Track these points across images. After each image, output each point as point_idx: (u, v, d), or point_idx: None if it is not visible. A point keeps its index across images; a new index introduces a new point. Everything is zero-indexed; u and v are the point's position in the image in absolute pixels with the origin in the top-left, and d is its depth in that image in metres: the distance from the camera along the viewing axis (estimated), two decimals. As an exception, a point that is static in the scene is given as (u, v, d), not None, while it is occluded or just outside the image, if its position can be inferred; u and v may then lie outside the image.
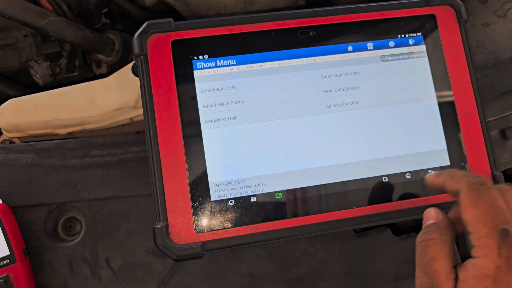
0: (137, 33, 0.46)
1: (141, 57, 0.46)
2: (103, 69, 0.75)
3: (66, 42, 0.63)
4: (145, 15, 0.73)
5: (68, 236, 0.52)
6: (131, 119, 0.54)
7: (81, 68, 0.72)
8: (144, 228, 0.51)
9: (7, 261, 0.46)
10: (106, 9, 0.72)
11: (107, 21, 0.73)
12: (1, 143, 0.58)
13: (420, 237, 0.35)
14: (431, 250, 0.33)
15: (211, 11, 0.62)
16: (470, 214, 0.32)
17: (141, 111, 0.54)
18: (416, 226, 0.60)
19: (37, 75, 0.65)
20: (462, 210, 0.33)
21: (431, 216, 0.37)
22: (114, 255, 0.51)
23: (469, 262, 0.31)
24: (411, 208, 0.47)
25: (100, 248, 0.51)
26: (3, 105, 0.55)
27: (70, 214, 0.52)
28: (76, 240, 0.51)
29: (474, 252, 0.31)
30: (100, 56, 0.65)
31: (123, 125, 0.55)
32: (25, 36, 0.72)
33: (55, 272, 0.50)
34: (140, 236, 0.51)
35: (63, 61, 0.69)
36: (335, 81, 0.49)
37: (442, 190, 0.37)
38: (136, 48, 0.46)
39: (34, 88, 0.73)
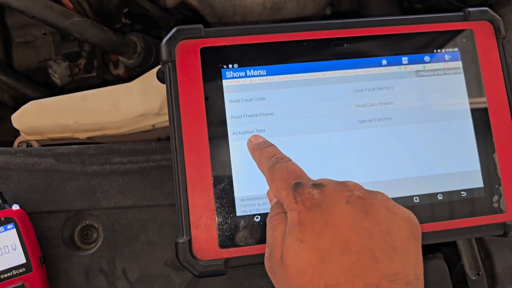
0: (165, 39, 0.45)
1: (169, 63, 0.45)
2: (121, 70, 0.74)
3: (89, 44, 0.62)
4: (166, 16, 0.72)
5: (85, 244, 0.50)
6: (153, 125, 0.53)
7: (99, 68, 0.71)
8: (163, 239, 0.50)
9: (23, 269, 0.45)
10: (126, 9, 0.71)
11: (127, 21, 0.72)
12: (18, 145, 0.57)
13: (268, 217, 0.37)
14: (273, 223, 0.35)
15: (237, 16, 0.60)
16: (273, 190, 0.36)
17: (163, 118, 0.53)
18: (443, 244, 0.59)
19: (56, 75, 0.64)
20: (270, 191, 0.37)
21: (272, 197, 0.39)
22: (132, 266, 0.49)
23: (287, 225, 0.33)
24: (443, 231, 0.45)
25: (118, 258, 0.49)
26: (23, 107, 0.53)
27: (87, 222, 0.50)
28: (93, 249, 0.49)
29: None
30: (121, 59, 0.63)
31: (144, 132, 0.54)
32: (44, 34, 0.71)
33: (70, 281, 0.49)
34: (159, 247, 0.50)
35: (82, 62, 0.68)
36: (368, 95, 0.47)
37: None
38: (164, 54, 0.45)
39: (51, 87, 0.72)
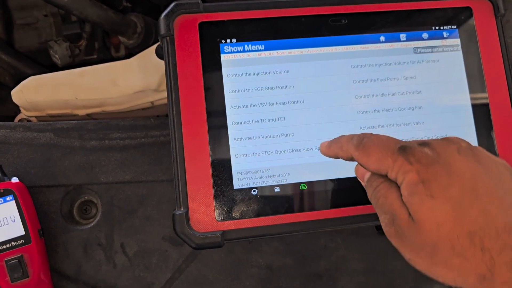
0: (164, 13, 0.45)
1: (167, 37, 0.45)
2: (122, 53, 0.74)
3: (89, 22, 0.62)
4: (166, 0, 0.72)
5: (83, 219, 0.51)
6: (152, 102, 0.53)
7: (100, 51, 0.71)
8: (161, 214, 0.50)
9: (22, 241, 0.45)
10: (128, -8, 0.71)
11: (128, 4, 0.72)
12: (18, 121, 0.57)
13: (369, 190, 0.36)
14: (381, 192, 0.34)
15: (236, -6, 0.60)
16: (374, 164, 0.34)
17: (162, 95, 0.53)
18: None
19: (56, 56, 0.64)
20: (368, 168, 0.35)
21: (363, 171, 0.38)
22: (130, 240, 0.50)
23: (402, 188, 0.32)
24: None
25: (116, 233, 0.50)
26: (23, 82, 0.54)
27: (86, 197, 0.51)
28: (92, 224, 0.50)
29: (399, 183, 0.33)
30: (121, 39, 0.63)
31: (143, 109, 0.54)
32: (45, 16, 0.71)
33: (69, 255, 0.49)
34: (156, 222, 0.50)
35: (83, 43, 0.68)
36: (366, 71, 0.47)
37: (337, 158, 0.39)
38: (162, 29, 0.45)
39: (53, 68, 0.72)
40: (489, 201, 0.30)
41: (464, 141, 0.34)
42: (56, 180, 0.50)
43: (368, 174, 0.37)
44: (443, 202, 0.30)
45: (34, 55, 0.72)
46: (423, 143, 0.33)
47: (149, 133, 0.51)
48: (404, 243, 0.33)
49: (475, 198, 0.30)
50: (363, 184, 0.38)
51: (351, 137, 0.37)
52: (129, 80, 0.51)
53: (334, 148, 0.39)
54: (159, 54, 0.50)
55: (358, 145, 0.36)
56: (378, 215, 0.35)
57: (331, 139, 0.40)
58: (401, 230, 0.32)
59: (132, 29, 0.62)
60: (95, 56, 0.71)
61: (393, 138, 0.35)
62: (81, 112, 0.54)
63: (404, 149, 0.33)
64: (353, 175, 0.44)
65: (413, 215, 0.31)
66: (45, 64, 0.73)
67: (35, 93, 0.53)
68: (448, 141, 0.33)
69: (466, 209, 0.30)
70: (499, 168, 0.33)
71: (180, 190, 0.43)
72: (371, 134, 0.36)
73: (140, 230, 0.50)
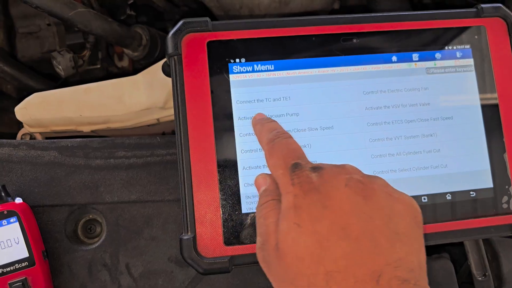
0: (171, 32, 0.44)
1: (175, 57, 0.44)
2: (125, 62, 0.73)
3: (94, 35, 0.61)
4: (171, 8, 0.71)
5: (88, 239, 0.50)
6: (158, 119, 0.52)
7: (104, 60, 0.70)
8: (167, 235, 0.49)
9: (26, 263, 0.45)
10: (131, 0, 0.70)
11: (132, 12, 0.71)
12: (22, 137, 0.56)
13: (257, 204, 0.35)
14: (264, 211, 0.33)
15: (244, 9, 0.59)
16: (270, 165, 0.35)
17: (168, 112, 0.52)
18: (449, 243, 0.58)
19: (60, 67, 0.63)
20: (267, 165, 0.35)
21: (261, 183, 0.37)
22: (135, 261, 0.49)
23: (280, 210, 0.31)
24: (451, 232, 0.45)
25: (121, 253, 0.49)
26: (27, 99, 0.53)
27: (91, 216, 0.50)
28: (97, 244, 0.49)
29: (281, 202, 0.32)
30: (126, 51, 0.63)
31: (148, 125, 0.53)
32: (48, 25, 0.70)
33: (73, 275, 0.48)
34: (162, 243, 0.49)
35: (87, 53, 0.67)
36: (377, 93, 0.46)
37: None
38: (170, 48, 0.44)
39: (55, 78, 0.71)
40: (358, 244, 0.28)
41: (359, 172, 0.32)
42: (60, 199, 0.49)
43: (263, 187, 0.36)
44: (308, 235, 0.28)
45: (37, 65, 0.71)
46: (316, 167, 0.32)
47: (155, 151, 0.50)
48: (269, 271, 0.32)
49: (343, 238, 0.28)
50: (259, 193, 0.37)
51: (273, 129, 0.38)
52: (135, 98, 0.51)
53: (257, 129, 0.40)
54: (166, 71, 0.49)
55: (270, 140, 0.36)
56: (256, 234, 0.34)
57: (264, 117, 0.42)
58: (268, 257, 0.31)
59: (137, 41, 0.61)
60: (98, 66, 0.70)
61: (299, 150, 0.35)
62: (86, 129, 0.53)
63: (295, 167, 0.32)
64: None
65: (279, 243, 0.30)
66: (47, 74, 0.72)
67: (39, 110, 0.52)
68: (341, 168, 0.32)
69: (330, 247, 0.28)
70: (395, 208, 0.30)
71: (188, 214, 0.42)
72: (288, 137, 0.36)
73: (145, 250, 0.49)
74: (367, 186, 0.30)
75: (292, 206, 0.30)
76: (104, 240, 0.49)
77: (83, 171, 0.49)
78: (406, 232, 0.29)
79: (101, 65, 0.70)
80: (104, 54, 0.69)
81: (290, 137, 0.36)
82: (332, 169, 0.32)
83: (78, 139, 0.50)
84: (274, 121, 0.41)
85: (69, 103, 0.51)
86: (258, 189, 0.37)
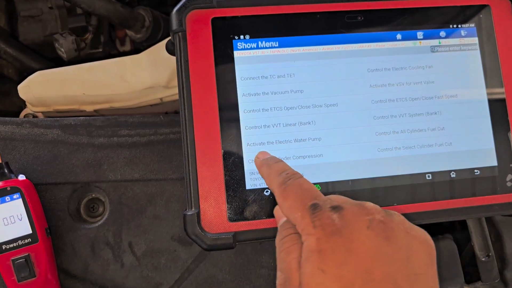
0: (176, 8, 0.44)
1: (179, 33, 0.43)
2: (127, 47, 0.73)
3: (97, 16, 0.61)
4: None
5: (91, 217, 0.50)
6: (161, 99, 0.52)
7: (106, 44, 0.70)
8: (170, 213, 0.49)
9: (29, 240, 0.44)
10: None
11: (135, -5, 0.71)
12: (24, 117, 0.56)
13: (277, 238, 0.34)
14: (286, 245, 0.32)
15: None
16: (285, 209, 0.33)
17: (172, 91, 0.52)
18: (451, 227, 0.58)
19: (62, 49, 0.63)
20: (280, 209, 0.34)
21: (280, 214, 0.36)
22: (138, 240, 0.49)
23: (303, 249, 0.31)
24: (455, 209, 0.45)
25: (124, 232, 0.49)
26: (29, 77, 0.53)
27: (94, 195, 0.50)
28: (100, 222, 0.49)
29: (302, 242, 0.31)
30: (129, 33, 0.62)
31: (151, 105, 0.53)
32: (51, 8, 0.69)
33: (76, 254, 0.48)
34: (165, 221, 0.49)
35: (89, 36, 0.67)
36: (382, 71, 0.46)
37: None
38: (174, 24, 0.44)
39: (58, 62, 0.71)
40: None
41: (381, 211, 0.32)
42: (63, 177, 0.49)
43: (283, 219, 0.35)
44: (333, 280, 0.28)
45: (39, 48, 0.71)
46: (336, 207, 0.31)
47: (158, 130, 0.50)
48: None
49: (368, 281, 0.28)
50: (278, 225, 0.36)
51: (282, 170, 0.36)
52: (138, 76, 0.50)
53: (263, 171, 0.39)
54: (170, 49, 0.49)
55: (282, 183, 0.35)
56: (277, 269, 0.33)
57: (269, 157, 0.40)
58: None
59: (140, 23, 0.60)
60: (100, 50, 0.70)
61: (314, 190, 0.34)
62: (89, 108, 0.53)
63: (314, 208, 0.31)
64: (373, 175, 0.44)
65: (302, 286, 0.29)
66: (50, 57, 0.71)
67: (42, 88, 0.52)
68: (362, 208, 0.31)
69: None
70: (412, 246, 0.30)
71: (192, 190, 0.42)
72: (299, 177, 0.35)
73: (148, 229, 0.49)
74: (387, 226, 0.30)
75: (316, 250, 0.29)
76: (107, 219, 0.49)
77: (86, 149, 0.49)
78: (423, 270, 0.30)
79: (103, 49, 0.70)
80: (106, 38, 0.69)
81: (301, 176, 0.35)
82: (352, 209, 0.31)
83: (82, 118, 0.50)
84: (281, 160, 0.39)
85: (72, 81, 0.51)
86: (278, 221, 0.37)
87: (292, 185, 0.34)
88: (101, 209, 0.50)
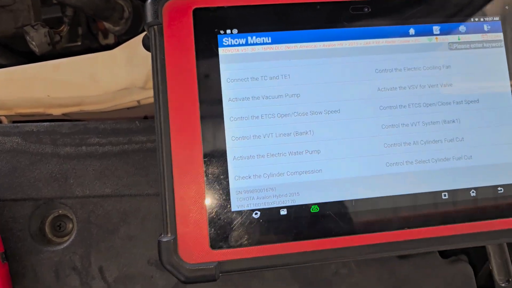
0: (151, -3, 0.37)
1: (155, 27, 0.37)
2: (111, 40, 0.66)
3: (68, 5, 0.54)
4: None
5: (57, 237, 0.44)
6: (138, 101, 0.46)
7: (85, 37, 0.64)
8: (146, 234, 0.43)
9: (-20, 267, 0.38)
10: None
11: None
12: (-16, 120, 0.50)
13: None
14: None
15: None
16: None
17: (150, 93, 0.46)
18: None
19: (34, 43, 0.57)
20: None
21: None
22: (109, 264, 0.43)
23: None
24: (476, 234, 0.39)
25: (93, 255, 0.43)
26: (-14, 76, 0.46)
27: (60, 211, 0.44)
28: (65, 244, 0.43)
29: None
30: (107, 25, 0.56)
31: (128, 108, 0.47)
32: (23, -3, 0.63)
33: (38, 280, 0.42)
34: (141, 243, 0.43)
35: (64, 28, 0.60)
36: (391, 71, 0.39)
37: None
38: (149, 16, 0.37)
39: (30, 57, 0.64)
40: None
41: None
42: (24, 192, 0.42)
43: None
44: None
45: (11, 42, 0.64)
46: None
47: (133, 138, 0.43)
48: None
49: None
50: None
51: None
52: (111, 76, 0.44)
53: None
54: (146, 45, 0.42)
55: None
56: None
57: None
58: None
59: (118, 13, 0.54)
60: (79, 43, 0.64)
61: None
62: (56, 112, 0.46)
63: None
64: (380, 194, 0.38)
65: None
66: (24, 53, 0.65)
67: (2, 89, 0.45)
68: None
69: None
70: None
71: (168, 211, 0.36)
72: None
73: (122, 252, 0.43)
74: None
75: None
76: (74, 240, 0.43)
77: (50, 160, 0.43)
78: None
79: (82, 42, 0.64)
80: (84, 30, 0.63)
81: None
82: None
83: (45, 123, 0.43)
84: None
85: (36, 81, 0.45)
86: None
87: None
88: (69, 227, 0.44)
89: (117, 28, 0.55)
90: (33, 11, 0.63)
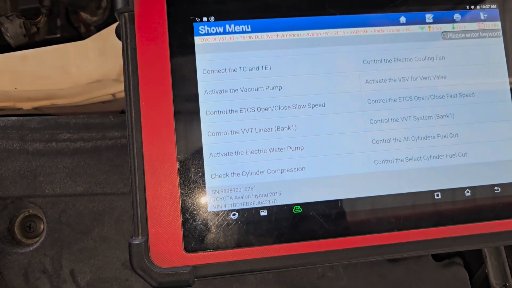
0: (121, -18, 0.35)
1: (126, 14, 0.35)
2: (93, 32, 0.63)
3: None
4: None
5: (27, 238, 0.41)
6: (113, 94, 0.43)
7: (64, 29, 0.61)
8: (121, 235, 0.41)
9: None
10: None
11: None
12: (-47, 115, 0.47)
13: None
14: None
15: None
16: None
17: (126, 86, 0.43)
18: (460, 249, 0.50)
19: (8, 34, 0.54)
20: None
21: None
22: (82, 267, 0.41)
23: None
24: (471, 236, 0.36)
25: (64, 257, 0.41)
26: (-50, 68, 0.44)
27: (30, 211, 0.41)
28: (35, 246, 0.41)
29: None
30: (84, 15, 0.53)
31: (103, 102, 0.44)
32: (-1, -14, 0.60)
33: (6, 283, 0.40)
34: (115, 244, 0.41)
35: (42, 19, 0.58)
36: (380, 62, 0.37)
37: None
38: (119, 2, 0.35)
39: (5, 50, 0.62)
40: None
41: None
42: (-11, 191, 0.40)
43: None
44: None
45: (-13, 33, 0.62)
46: None
47: (107, 133, 0.41)
48: None
49: None
50: None
51: None
52: (83, 67, 0.41)
53: None
54: (119, 34, 0.40)
55: None
56: None
57: None
58: None
59: (96, 3, 0.51)
60: (58, 35, 0.61)
61: None
62: (27, 106, 0.44)
63: None
64: (368, 194, 0.35)
65: None
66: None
67: (-33, 81, 0.43)
68: None
69: None
70: None
71: (139, 212, 0.33)
72: None
73: (94, 254, 0.41)
74: None
75: None
76: (44, 241, 0.41)
77: (18, 157, 0.41)
78: None
79: (61, 34, 0.61)
80: (63, 21, 0.60)
81: None
82: None
83: (13, 118, 0.41)
84: None
85: (3, 73, 0.42)
86: None
87: None
88: (39, 228, 0.41)
89: (94, 19, 0.53)
90: (9, 1, 0.60)
